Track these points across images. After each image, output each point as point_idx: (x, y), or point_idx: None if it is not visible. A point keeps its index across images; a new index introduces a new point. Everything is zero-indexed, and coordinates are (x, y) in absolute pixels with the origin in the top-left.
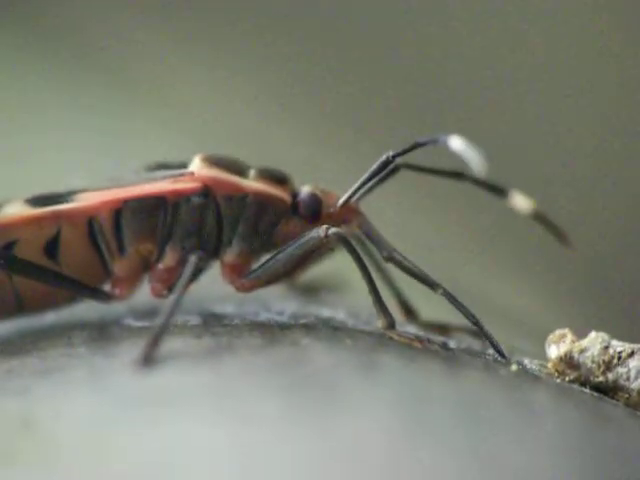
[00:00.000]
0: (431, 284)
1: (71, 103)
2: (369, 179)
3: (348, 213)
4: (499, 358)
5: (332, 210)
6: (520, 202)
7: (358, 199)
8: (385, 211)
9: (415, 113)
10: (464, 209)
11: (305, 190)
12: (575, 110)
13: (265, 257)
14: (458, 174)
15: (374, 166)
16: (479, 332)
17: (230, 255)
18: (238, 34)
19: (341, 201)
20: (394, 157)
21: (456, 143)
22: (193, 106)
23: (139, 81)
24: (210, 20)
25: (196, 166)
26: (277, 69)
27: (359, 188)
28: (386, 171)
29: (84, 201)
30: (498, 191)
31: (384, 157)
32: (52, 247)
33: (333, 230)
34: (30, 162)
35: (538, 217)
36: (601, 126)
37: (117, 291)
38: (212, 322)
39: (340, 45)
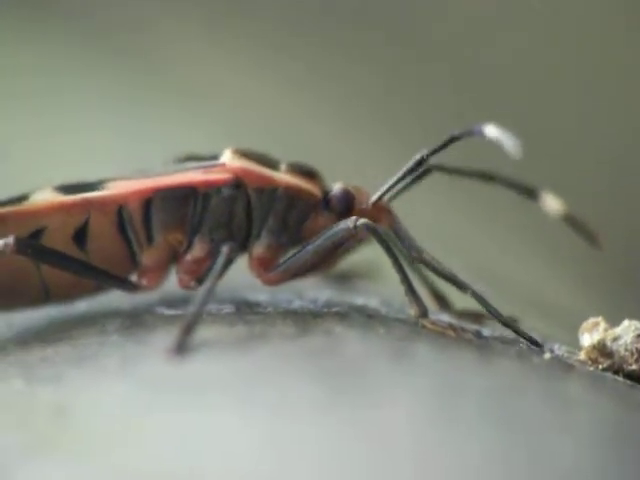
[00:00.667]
0: (460, 285)
1: (94, 88)
2: (402, 178)
3: (379, 212)
4: (531, 346)
5: (364, 207)
6: (550, 203)
7: (390, 198)
8: (415, 202)
9: (442, 106)
10: (495, 200)
11: (338, 186)
12: (604, 111)
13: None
14: (489, 176)
15: (408, 165)
16: (518, 321)
17: (259, 248)
18: (266, 21)
19: (373, 199)
20: (428, 156)
21: (491, 131)
22: (218, 93)
23: (163, 67)
24: (237, 6)
25: (227, 158)
26: (305, 58)
27: (392, 187)
28: (419, 172)
29: (114, 190)
30: (528, 192)
31: (418, 156)
32: (81, 235)
33: (362, 221)
34: (52, 145)
35: (568, 219)
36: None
37: (144, 281)
38: (245, 310)
39: (370, 34)
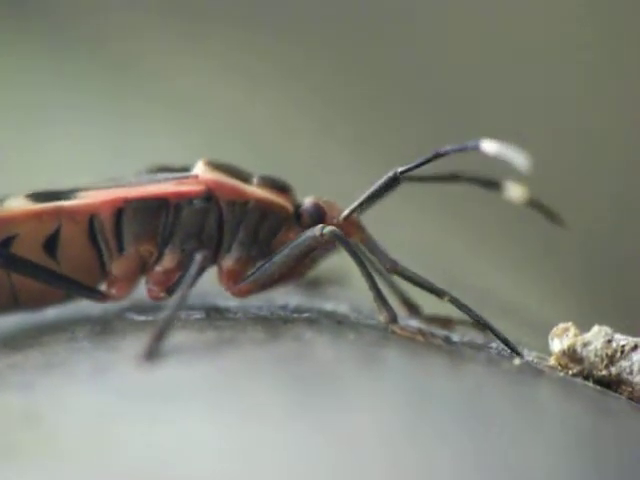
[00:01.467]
0: (437, 292)
1: (76, 98)
2: (375, 195)
3: (350, 227)
4: (505, 352)
5: (335, 221)
6: (513, 192)
7: (360, 213)
8: (385, 211)
9: (424, 119)
10: (463, 205)
11: (309, 200)
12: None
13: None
14: (454, 176)
15: (381, 182)
16: (487, 330)
17: (228, 261)
18: (251, 31)
19: (344, 214)
20: (402, 173)
21: (490, 147)
22: (201, 104)
23: (145, 77)
24: (220, 17)
25: (200, 170)
26: (291, 67)
27: (363, 203)
28: (389, 184)
29: (86, 199)
30: (492, 185)
31: (392, 173)
32: (51, 244)
33: (328, 228)
34: (33, 159)
35: (532, 203)
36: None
37: (113, 291)
38: (215, 316)
39: (354, 45)
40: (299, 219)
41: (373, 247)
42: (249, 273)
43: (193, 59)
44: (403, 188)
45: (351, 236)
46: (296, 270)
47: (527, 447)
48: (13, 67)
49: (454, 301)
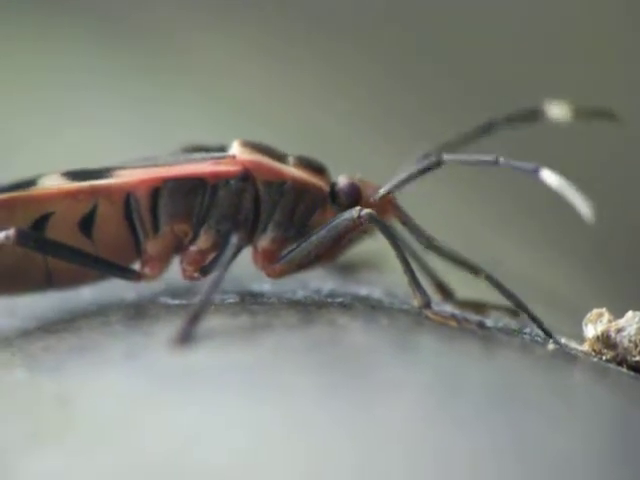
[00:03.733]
0: (473, 269)
1: (103, 82)
2: (414, 176)
3: (386, 205)
4: (539, 337)
5: (371, 200)
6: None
7: (396, 192)
8: (419, 195)
9: (451, 100)
10: (500, 193)
11: (344, 179)
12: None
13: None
14: (490, 125)
15: (424, 165)
16: (521, 313)
17: (264, 241)
18: (274, 14)
19: (381, 192)
20: (445, 160)
21: (552, 179)
22: (229, 87)
23: (171, 57)
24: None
25: (236, 150)
26: (315, 50)
27: (402, 182)
28: (429, 166)
29: (123, 178)
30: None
31: (435, 159)
32: (87, 222)
33: (366, 211)
34: (61, 139)
35: (579, 114)
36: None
37: (147, 270)
38: (249, 300)
39: (380, 24)
40: (335, 199)
41: (410, 224)
42: (284, 253)
43: (219, 37)
44: (439, 179)
45: (387, 214)
46: (332, 252)
47: (561, 434)
48: (40, 50)
49: (490, 279)
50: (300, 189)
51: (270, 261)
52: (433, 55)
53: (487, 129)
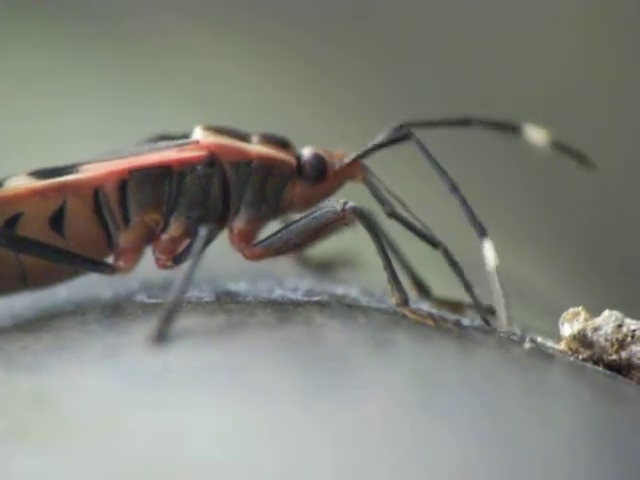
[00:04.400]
0: (432, 241)
1: (89, 85)
2: (380, 146)
3: (353, 169)
4: (515, 336)
5: (337, 168)
6: (534, 135)
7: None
8: (404, 189)
9: (429, 91)
10: (485, 189)
11: (308, 151)
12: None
13: (272, 223)
14: (465, 121)
15: (386, 133)
16: (496, 311)
17: (238, 222)
18: (259, 15)
19: (347, 159)
20: (407, 127)
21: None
22: (200, 76)
23: (144, 51)
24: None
25: (199, 135)
26: (292, 44)
27: (368, 151)
28: (397, 135)
29: (89, 172)
30: (510, 128)
31: (398, 126)
32: (57, 219)
33: (350, 205)
34: (45, 144)
35: (555, 145)
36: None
37: (121, 263)
38: (225, 299)
39: (357, 20)
40: (302, 172)
41: (374, 189)
42: (265, 237)
43: (197, 36)
44: (412, 166)
45: (355, 177)
46: (312, 240)
47: (536, 432)
48: (22, 54)
49: (447, 254)
50: (267, 166)
51: (247, 242)
52: (428, 61)
53: (463, 123)
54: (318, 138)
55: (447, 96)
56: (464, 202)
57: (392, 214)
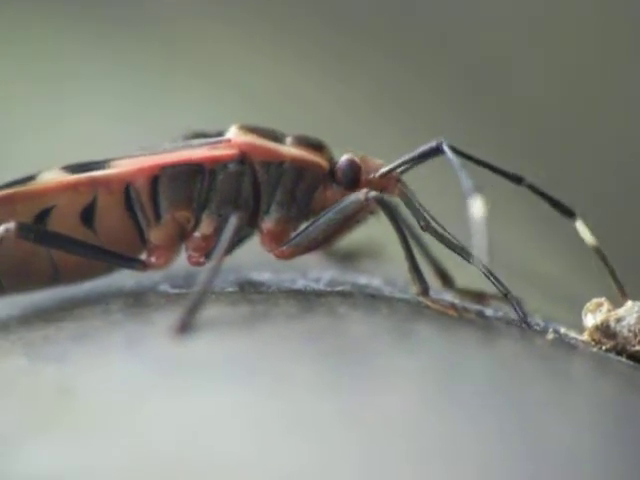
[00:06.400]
0: (466, 254)
1: (105, 69)
2: (416, 160)
3: (388, 181)
4: (538, 327)
5: (372, 177)
6: (583, 233)
7: (400, 172)
8: (426, 185)
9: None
10: (501, 184)
11: (344, 157)
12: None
13: (304, 224)
14: (519, 178)
15: (424, 148)
16: (519, 302)
17: (268, 222)
18: (276, 2)
19: (382, 171)
20: (444, 145)
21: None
22: (230, 74)
23: (175, 48)
24: None
25: (233, 133)
26: (315, 36)
27: (403, 163)
28: (432, 151)
29: (121, 168)
30: (565, 211)
31: (434, 143)
32: (88, 214)
33: (373, 194)
34: (62, 128)
35: (596, 252)
36: None
37: (153, 260)
38: (249, 289)
39: (379, 13)
40: (335, 177)
41: (410, 203)
42: (293, 236)
43: (219, 25)
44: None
45: (390, 190)
46: (339, 232)
47: (559, 423)
48: (50, 38)
49: (481, 266)
50: (299, 168)
51: (277, 242)
52: (446, 49)
53: (514, 179)
54: (340, 125)
55: (477, 91)
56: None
57: (427, 228)
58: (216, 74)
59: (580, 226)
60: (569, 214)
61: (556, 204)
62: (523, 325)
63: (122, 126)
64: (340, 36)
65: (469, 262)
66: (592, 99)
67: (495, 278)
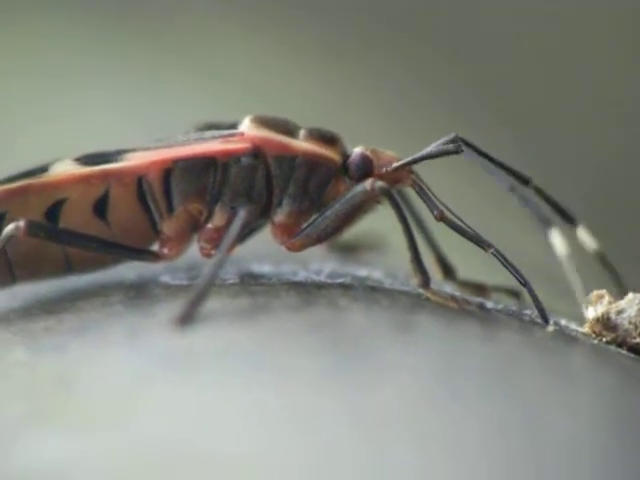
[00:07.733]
0: (482, 243)
1: (106, 64)
2: (431, 156)
3: (401, 174)
4: (539, 320)
5: (384, 171)
6: (585, 238)
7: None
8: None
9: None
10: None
11: (356, 151)
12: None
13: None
14: (526, 179)
15: (439, 143)
16: (521, 294)
17: (280, 215)
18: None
19: (395, 165)
20: (460, 140)
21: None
22: (230, 68)
23: (177, 43)
24: None
25: (246, 126)
26: (318, 32)
27: (417, 159)
28: (450, 149)
29: (134, 160)
30: (567, 217)
31: (451, 137)
32: (101, 206)
33: (379, 184)
34: (64, 123)
35: (599, 257)
36: None
37: (166, 251)
38: (249, 281)
39: (383, 13)
40: (347, 170)
41: (424, 195)
42: (302, 228)
43: (224, 21)
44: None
45: (402, 182)
46: (349, 223)
47: (560, 415)
48: (40, 33)
49: (498, 255)
50: (311, 162)
51: (289, 235)
52: (447, 45)
53: (522, 179)
54: (341, 118)
55: (478, 87)
56: (526, 200)
57: (442, 218)
58: (218, 69)
59: (582, 233)
60: (571, 221)
61: (560, 210)
62: (541, 319)
63: (123, 121)
64: (342, 32)
65: (485, 251)
66: (592, 99)
67: (514, 269)
